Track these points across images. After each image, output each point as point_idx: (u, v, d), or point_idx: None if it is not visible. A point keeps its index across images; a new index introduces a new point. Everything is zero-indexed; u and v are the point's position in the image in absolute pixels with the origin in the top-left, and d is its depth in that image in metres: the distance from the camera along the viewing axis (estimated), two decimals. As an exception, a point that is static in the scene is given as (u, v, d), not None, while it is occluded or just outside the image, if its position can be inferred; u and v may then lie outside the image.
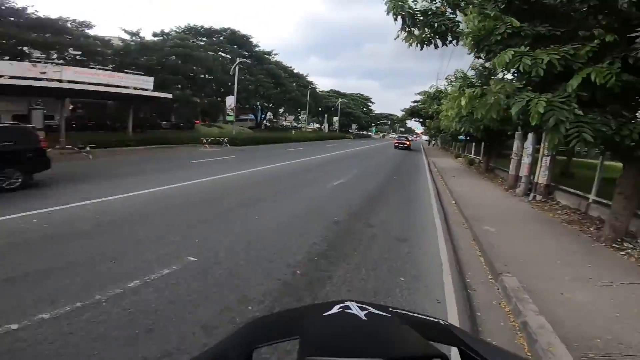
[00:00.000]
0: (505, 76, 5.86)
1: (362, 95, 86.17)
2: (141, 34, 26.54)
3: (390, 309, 0.60)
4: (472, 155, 21.43)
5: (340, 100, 62.34)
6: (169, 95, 20.82)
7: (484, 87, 5.14)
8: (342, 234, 5.28)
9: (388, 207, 7.47)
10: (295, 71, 48.27)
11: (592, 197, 7.02)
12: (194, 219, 5.53)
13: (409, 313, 0.62)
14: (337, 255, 4.37)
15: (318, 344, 0.47)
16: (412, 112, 32.41)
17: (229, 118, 26.43)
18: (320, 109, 64.76)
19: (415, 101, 31.45)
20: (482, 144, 15.70)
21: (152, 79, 19.41)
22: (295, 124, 68.99)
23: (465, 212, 7.07)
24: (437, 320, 0.63)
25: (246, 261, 4.01)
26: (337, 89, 72.56)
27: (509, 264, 4.15)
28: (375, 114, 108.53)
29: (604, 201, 6.45)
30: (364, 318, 0.54)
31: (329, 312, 0.56)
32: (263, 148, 22.87)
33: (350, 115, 62.75)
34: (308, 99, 41.60)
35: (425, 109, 22.77)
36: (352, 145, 33.47)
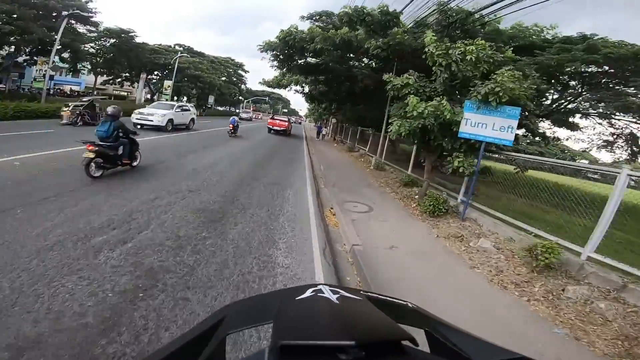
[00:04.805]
0: None
1: (231, 60, 63.25)
2: None
3: (361, 292, 0.61)
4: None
5: (179, 55, 38.27)
6: None
7: None
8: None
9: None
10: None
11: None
12: None
13: (380, 296, 0.63)
14: None
15: (292, 328, 0.47)
16: (287, 44, 13.09)
17: None
18: (167, 72, 39.32)
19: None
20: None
21: None
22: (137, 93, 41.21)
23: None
24: (405, 302, 0.64)
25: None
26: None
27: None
28: (252, 90, 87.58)
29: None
30: (336, 301, 0.53)
31: (302, 296, 0.55)
32: None
33: (199, 80, 39.61)
34: (58, 37, 17.26)
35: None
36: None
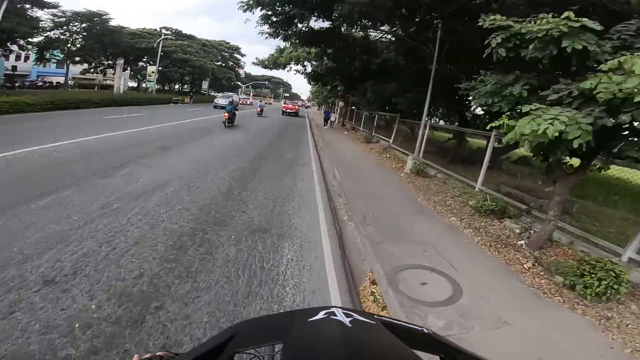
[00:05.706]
0: None
1: (226, 43, 58.54)
2: None
3: (375, 316, 0.59)
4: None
5: (162, 38, 34.07)
6: None
7: None
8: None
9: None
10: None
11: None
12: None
13: (394, 321, 0.61)
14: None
15: (302, 349, 0.46)
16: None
17: None
18: (150, 58, 35.05)
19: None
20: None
21: None
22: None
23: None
24: (420, 328, 0.62)
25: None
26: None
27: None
28: (252, 75, 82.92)
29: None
30: (349, 325, 0.52)
31: (314, 318, 0.54)
32: None
33: (188, 65, 35.47)
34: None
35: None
36: None
